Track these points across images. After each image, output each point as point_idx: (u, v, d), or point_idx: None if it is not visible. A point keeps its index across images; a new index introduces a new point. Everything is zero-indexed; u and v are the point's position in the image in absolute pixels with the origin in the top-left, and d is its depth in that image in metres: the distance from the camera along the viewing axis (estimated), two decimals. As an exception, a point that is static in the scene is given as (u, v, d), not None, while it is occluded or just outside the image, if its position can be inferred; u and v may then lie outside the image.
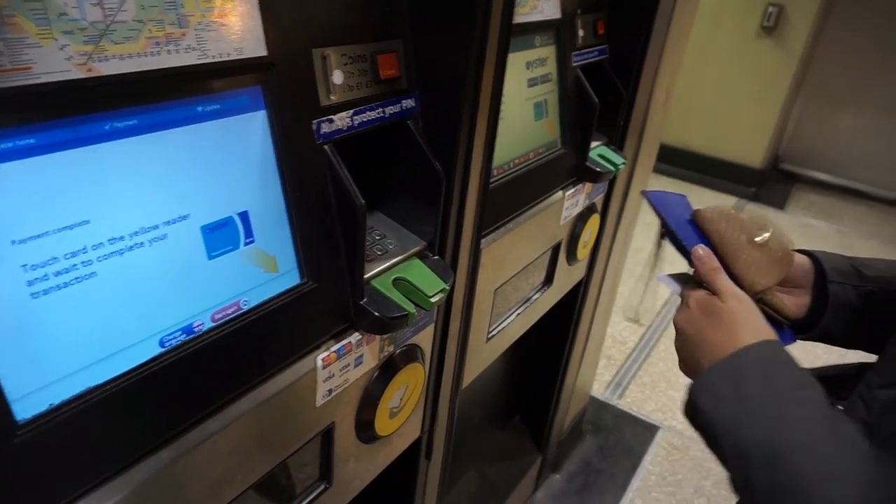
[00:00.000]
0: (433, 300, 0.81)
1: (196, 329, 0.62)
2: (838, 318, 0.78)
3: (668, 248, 0.85)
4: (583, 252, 1.48)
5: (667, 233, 0.83)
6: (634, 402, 2.39)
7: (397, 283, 0.81)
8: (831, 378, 0.71)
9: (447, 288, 0.83)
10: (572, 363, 1.79)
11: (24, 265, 0.48)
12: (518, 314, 1.32)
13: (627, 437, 2.24)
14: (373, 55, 0.76)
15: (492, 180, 1.00)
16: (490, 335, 1.23)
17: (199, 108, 0.60)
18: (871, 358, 0.67)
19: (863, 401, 0.57)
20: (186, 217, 0.60)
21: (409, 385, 0.93)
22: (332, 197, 0.72)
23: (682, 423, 2.29)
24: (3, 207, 0.46)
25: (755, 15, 3.88)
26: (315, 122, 0.69)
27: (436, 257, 0.89)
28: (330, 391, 0.78)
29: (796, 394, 0.53)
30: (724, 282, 0.70)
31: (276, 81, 0.65)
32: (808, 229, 4.01)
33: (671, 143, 4.26)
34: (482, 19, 0.79)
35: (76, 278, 0.51)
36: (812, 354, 1.09)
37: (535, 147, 1.19)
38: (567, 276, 1.50)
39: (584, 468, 2.09)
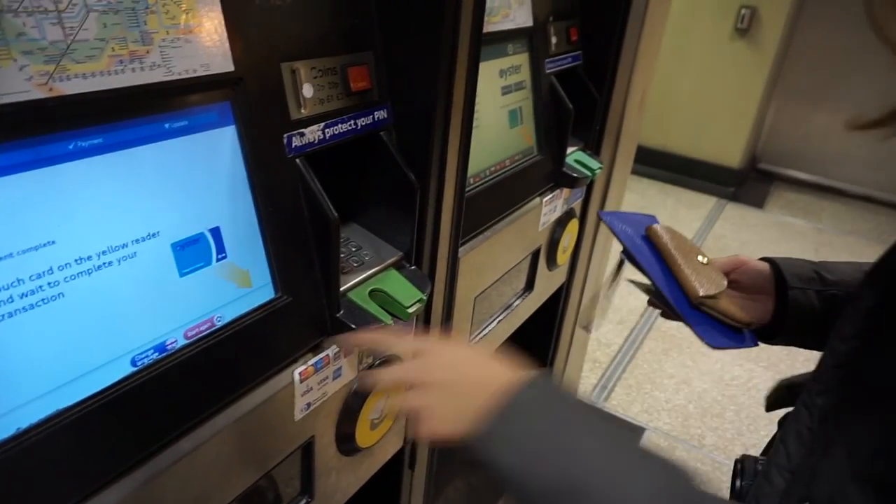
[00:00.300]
0: (410, 311, 0.81)
1: (169, 347, 0.61)
2: (803, 323, 0.81)
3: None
4: (563, 257, 1.49)
5: (623, 251, 0.87)
6: (620, 404, 2.40)
7: (374, 294, 0.81)
8: (798, 385, 0.73)
9: (424, 298, 0.83)
10: (556, 367, 1.80)
11: (-13, 288, 0.47)
12: (500, 321, 1.33)
13: (614, 439, 2.25)
14: (343, 68, 0.76)
15: (468, 189, 1.00)
16: (472, 342, 1.23)
17: (167, 125, 0.60)
18: None
19: (806, 408, 0.58)
20: (156, 234, 0.59)
21: (389, 396, 0.92)
22: (304, 210, 0.72)
23: (668, 424, 2.31)
24: (-36, 231, 0.46)
25: (729, 17, 3.94)
26: (286, 136, 0.69)
27: (413, 267, 0.89)
28: (308, 405, 0.78)
29: (578, 422, 0.51)
30: (408, 340, 0.63)
31: (244, 96, 0.65)
32: (786, 227, 4.07)
33: (649, 145, 4.30)
34: (451, 29, 0.79)
35: (42, 299, 0.51)
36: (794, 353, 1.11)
37: (511, 154, 1.20)
38: (548, 282, 1.51)
39: (571, 472, 2.09)
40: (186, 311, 0.63)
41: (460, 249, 1.03)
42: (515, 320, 1.41)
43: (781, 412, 0.73)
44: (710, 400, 2.45)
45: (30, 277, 0.50)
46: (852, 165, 4.50)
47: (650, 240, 0.89)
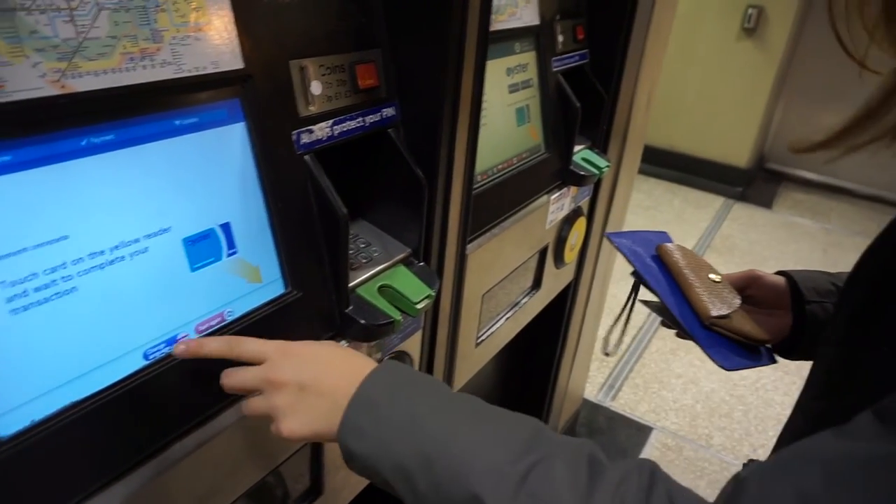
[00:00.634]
0: (419, 306, 0.81)
1: (180, 341, 0.62)
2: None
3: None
4: (570, 255, 1.48)
5: (633, 271, 0.86)
6: (627, 403, 2.39)
7: (383, 290, 0.81)
8: None
9: (433, 294, 0.83)
10: (564, 366, 1.80)
11: (2, 282, 0.48)
12: (507, 318, 1.33)
13: (621, 438, 2.24)
14: (351, 65, 0.77)
15: (475, 186, 1.01)
16: (479, 340, 1.23)
17: (177, 122, 0.60)
18: None
19: (801, 412, 0.58)
20: (168, 230, 0.60)
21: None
22: (314, 206, 0.72)
23: (675, 424, 2.30)
24: (-20, 225, 0.46)
25: (735, 17, 3.93)
26: (294, 132, 0.70)
27: (421, 264, 0.89)
28: (317, 400, 0.78)
29: (425, 400, 0.54)
30: (258, 342, 0.61)
31: (253, 93, 0.65)
32: (795, 227, 4.05)
33: (656, 145, 4.29)
34: (458, 27, 0.79)
35: (56, 293, 0.51)
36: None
37: (519, 152, 1.20)
38: (555, 280, 1.51)
39: (579, 471, 2.09)
40: (197, 305, 0.64)
41: (468, 247, 1.03)
42: (523, 318, 1.42)
43: (789, 412, 0.72)
44: (718, 400, 2.44)
45: (44, 271, 0.51)
46: (861, 165, 4.46)
47: (661, 259, 0.87)
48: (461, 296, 1.07)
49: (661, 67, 1.65)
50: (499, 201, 1.14)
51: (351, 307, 0.77)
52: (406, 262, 0.88)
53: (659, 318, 0.89)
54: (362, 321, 0.76)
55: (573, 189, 1.37)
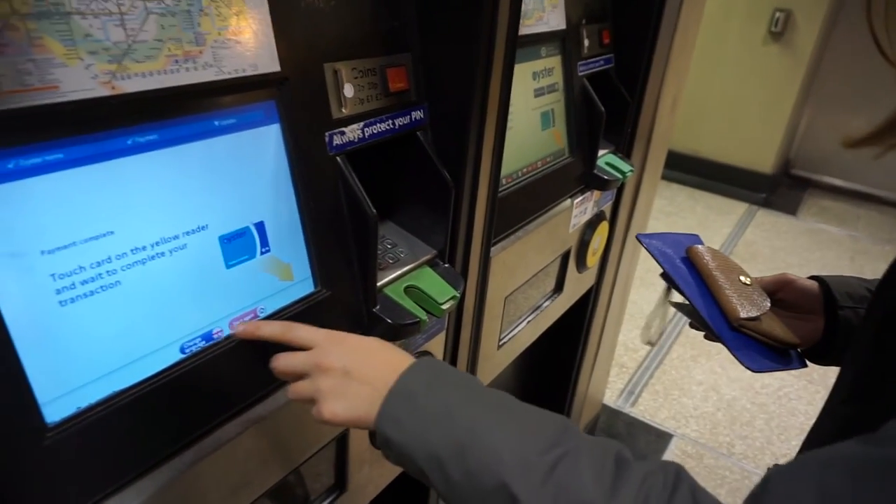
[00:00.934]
0: (444, 307, 0.82)
1: (215, 336, 0.64)
2: None
3: None
4: (592, 259, 1.49)
5: (663, 273, 0.87)
6: (647, 409, 2.38)
7: (409, 290, 0.83)
8: None
9: (458, 295, 0.85)
10: (584, 370, 1.79)
11: (52, 274, 0.50)
12: (529, 321, 1.33)
13: (641, 445, 2.23)
14: (382, 69, 0.78)
15: (500, 189, 1.02)
16: (501, 342, 1.24)
17: (216, 123, 0.62)
18: None
19: (829, 416, 0.58)
20: (205, 227, 0.62)
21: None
22: (344, 207, 0.74)
23: (695, 431, 2.28)
24: (33, 219, 0.49)
25: (762, 21, 3.89)
26: (327, 134, 0.71)
27: (446, 265, 0.90)
28: (344, 397, 0.80)
29: (459, 393, 0.56)
30: (310, 329, 0.64)
31: (289, 95, 0.67)
32: (820, 235, 3.99)
33: (680, 150, 4.26)
34: (488, 32, 0.81)
35: (101, 287, 0.53)
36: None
37: (543, 156, 1.20)
38: (577, 284, 1.51)
39: (598, 476, 2.08)
40: (232, 301, 0.65)
41: (492, 249, 1.04)
42: (544, 322, 1.42)
43: (812, 422, 0.72)
44: (740, 408, 2.41)
45: (90, 265, 0.53)
46: (890, 172, 4.39)
47: (691, 261, 0.87)
48: (485, 298, 1.08)
49: (688, 72, 1.64)
50: (523, 205, 1.15)
51: (378, 306, 0.78)
52: (432, 263, 0.89)
53: (678, 325, 0.90)
54: (389, 320, 0.78)
55: (596, 193, 1.38)
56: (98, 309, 0.53)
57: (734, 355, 0.79)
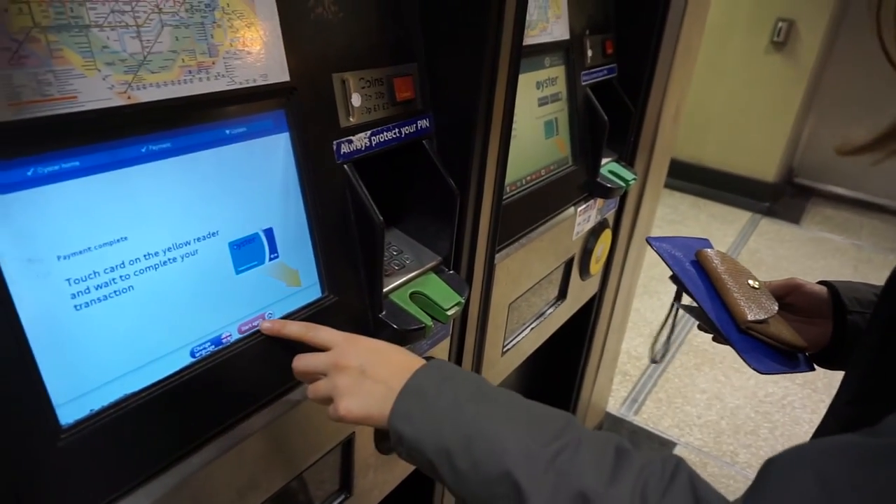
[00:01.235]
0: (449, 313, 0.83)
1: (224, 340, 0.65)
2: None
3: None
4: (595, 267, 1.50)
5: (672, 275, 0.88)
6: (651, 418, 2.38)
7: (414, 296, 0.84)
8: None
9: (462, 301, 0.86)
10: (587, 378, 1.80)
11: (68, 279, 0.51)
12: (532, 328, 1.34)
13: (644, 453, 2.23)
14: (389, 78, 0.80)
15: (505, 197, 1.03)
16: (505, 349, 1.25)
17: (227, 131, 0.64)
18: None
19: (834, 416, 0.58)
20: (216, 234, 0.63)
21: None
22: (351, 214, 0.75)
23: (699, 440, 2.28)
24: (50, 226, 0.50)
25: (765, 30, 3.91)
26: (335, 142, 0.73)
27: (451, 272, 0.91)
28: (350, 402, 0.81)
29: (468, 390, 0.58)
30: (330, 331, 0.68)
31: (298, 105, 0.69)
32: (824, 244, 3.99)
33: (683, 159, 4.27)
34: (493, 42, 0.82)
35: (115, 291, 0.55)
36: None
37: (547, 164, 1.22)
38: (580, 291, 1.52)
39: (601, 484, 2.08)
40: (240, 306, 0.67)
41: (496, 256, 1.05)
42: (547, 329, 1.43)
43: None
44: (744, 416, 2.41)
45: (104, 270, 0.54)
46: (893, 181, 4.39)
47: (700, 264, 0.89)
48: (489, 304, 1.09)
49: (690, 81, 1.66)
50: (527, 212, 1.16)
51: (384, 312, 0.79)
52: (437, 269, 0.90)
53: (682, 334, 0.90)
54: (395, 326, 0.79)
55: (599, 201, 1.39)
56: (111, 313, 0.54)
57: (742, 357, 0.80)
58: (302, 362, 0.65)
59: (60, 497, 0.52)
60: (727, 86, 4.10)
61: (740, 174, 4.30)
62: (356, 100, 0.75)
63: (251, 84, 0.63)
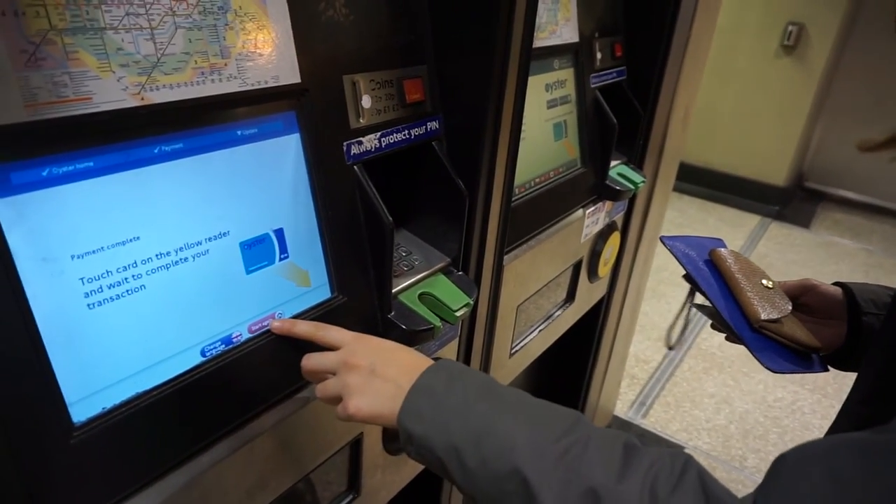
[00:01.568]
0: (458, 314, 0.83)
1: (235, 339, 0.65)
2: None
3: None
4: (604, 269, 1.49)
5: (685, 274, 0.88)
6: (658, 421, 2.37)
7: (423, 297, 0.84)
8: None
9: (471, 302, 0.86)
10: (595, 381, 1.79)
11: (81, 278, 0.52)
12: (540, 330, 1.34)
13: (652, 457, 2.21)
14: (399, 80, 0.80)
15: (513, 198, 1.03)
16: (513, 351, 1.25)
17: (239, 132, 0.64)
18: None
19: (847, 416, 0.58)
20: (227, 234, 0.64)
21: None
22: (361, 215, 0.76)
23: (707, 444, 2.27)
24: (64, 225, 0.50)
25: (775, 33, 3.89)
26: (345, 143, 0.73)
27: (460, 273, 0.91)
28: (358, 402, 0.81)
29: (476, 388, 0.58)
30: (339, 330, 0.68)
31: (309, 106, 0.69)
32: (834, 248, 3.96)
33: (692, 162, 4.25)
34: (503, 45, 0.82)
35: (127, 290, 0.55)
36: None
37: (556, 166, 1.22)
38: (588, 294, 1.51)
39: (608, 488, 2.07)
40: (251, 306, 0.67)
41: (505, 257, 1.06)
42: (555, 331, 1.43)
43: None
44: (753, 421, 2.39)
45: (117, 270, 0.54)
46: (905, 185, 4.36)
47: (714, 263, 0.89)
48: (497, 306, 1.09)
49: (700, 84, 1.65)
50: (535, 214, 1.16)
51: (393, 313, 0.80)
52: (445, 270, 0.90)
53: (690, 336, 0.90)
54: (403, 326, 0.79)
55: (608, 204, 1.38)
56: (124, 312, 0.55)
57: (755, 356, 0.80)
58: (311, 361, 0.66)
59: (72, 493, 0.52)
60: (737, 89, 4.09)
61: (750, 178, 4.28)
62: (366, 101, 0.75)
63: (263, 85, 0.64)
